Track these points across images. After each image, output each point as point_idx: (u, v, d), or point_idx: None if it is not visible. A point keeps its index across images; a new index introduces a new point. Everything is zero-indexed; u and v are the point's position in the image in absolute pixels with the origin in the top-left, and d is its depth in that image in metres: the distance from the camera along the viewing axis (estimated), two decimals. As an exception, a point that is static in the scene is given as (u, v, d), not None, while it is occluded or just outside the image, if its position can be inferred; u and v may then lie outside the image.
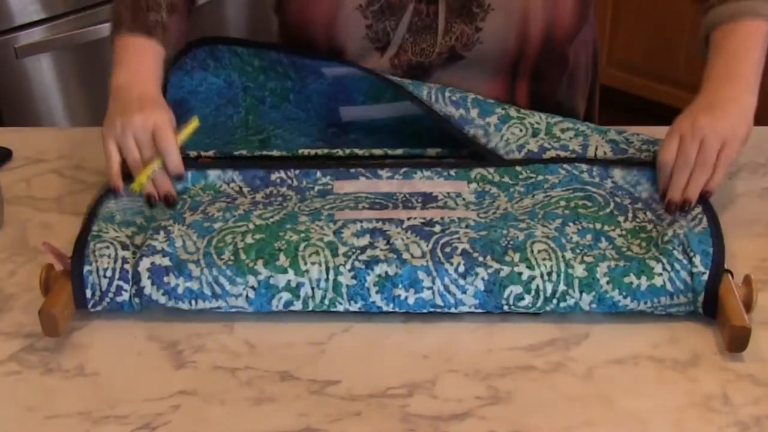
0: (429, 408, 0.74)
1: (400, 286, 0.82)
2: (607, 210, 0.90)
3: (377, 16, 1.04)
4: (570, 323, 0.83)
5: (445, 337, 0.82)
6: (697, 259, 0.81)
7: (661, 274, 0.81)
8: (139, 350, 0.81)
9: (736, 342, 0.77)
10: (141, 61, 0.98)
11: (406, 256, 0.83)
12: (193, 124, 0.95)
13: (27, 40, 1.86)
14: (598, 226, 0.87)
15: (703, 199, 0.89)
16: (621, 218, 0.89)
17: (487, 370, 0.78)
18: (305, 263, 0.82)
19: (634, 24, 2.69)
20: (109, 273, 0.83)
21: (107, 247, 0.84)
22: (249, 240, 0.85)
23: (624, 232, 0.86)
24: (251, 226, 0.87)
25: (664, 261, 0.81)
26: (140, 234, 0.87)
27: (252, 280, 0.82)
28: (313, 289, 0.82)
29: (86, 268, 0.83)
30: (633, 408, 0.74)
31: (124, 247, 0.85)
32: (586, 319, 0.83)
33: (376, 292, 0.82)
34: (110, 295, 0.83)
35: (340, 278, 0.82)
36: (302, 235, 0.85)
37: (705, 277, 0.80)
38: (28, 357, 0.81)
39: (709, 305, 0.81)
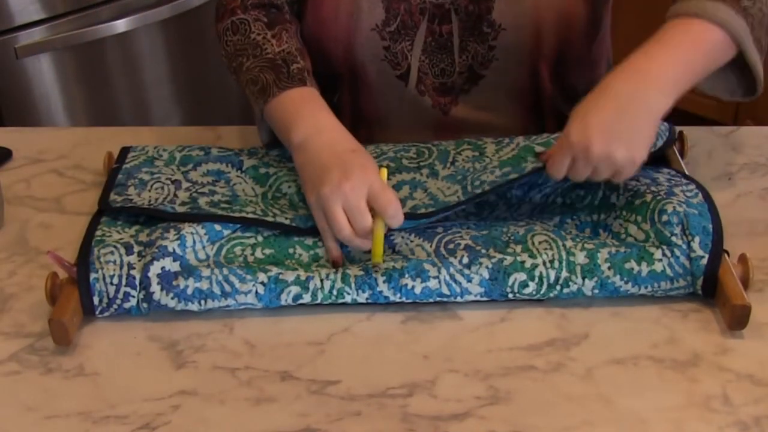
0: (429, 408, 0.74)
1: (406, 275, 0.82)
2: (599, 194, 0.90)
3: (394, 36, 1.03)
4: (570, 323, 0.83)
5: (445, 337, 0.82)
6: (695, 243, 0.82)
7: (660, 260, 0.82)
8: (139, 350, 0.81)
9: (737, 320, 0.79)
10: (315, 111, 0.93)
11: (411, 257, 0.85)
12: (384, 172, 0.89)
13: (27, 40, 1.86)
14: (595, 217, 0.89)
15: None
16: (613, 197, 0.89)
17: (487, 370, 0.78)
18: (314, 268, 0.85)
19: (634, 29, 2.68)
20: (115, 280, 0.83)
21: (111, 253, 0.84)
22: (259, 255, 0.86)
23: (619, 212, 0.87)
24: (260, 238, 0.87)
25: (664, 247, 0.83)
26: (145, 230, 0.88)
27: (262, 276, 0.83)
28: (322, 280, 0.83)
29: (92, 275, 0.83)
30: (633, 408, 0.74)
31: (129, 250, 0.85)
32: (586, 319, 0.83)
33: (384, 282, 0.82)
34: (118, 301, 0.83)
35: (348, 270, 0.83)
36: (311, 252, 0.87)
37: (704, 261, 0.82)
38: (28, 357, 0.81)
39: (708, 287, 0.82)
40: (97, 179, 1.08)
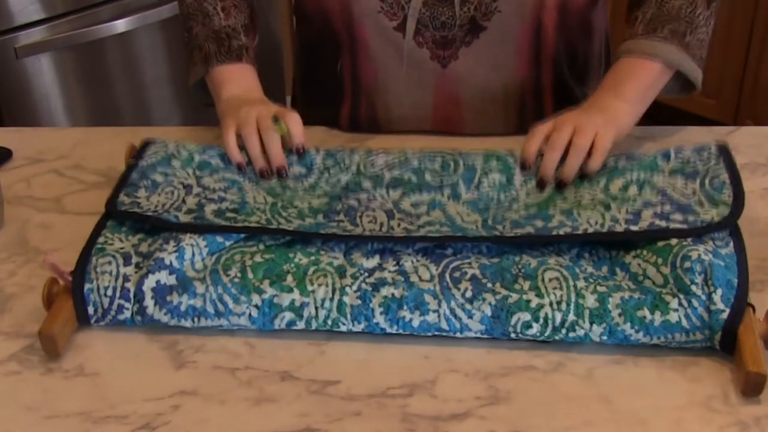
0: (429, 408, 0.74)
1: (405, 307, 0.80)
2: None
3: None
4: (570, 323, 0.83)
5: (445, 337, 0.82)
6: (717, 295, 0.77)
7: (676, 310, 0.78)
8: (139, 350, 0.81)
9: (751, 387, 0.74)
10: (243, 81, 1.09)
11: (414, 279, 0.81)
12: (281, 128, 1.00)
13: (27, 40, 1.86)
14: (614, 253, 0.85)
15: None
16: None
17: (487, 370, 0.78)
18: (312, 284, 0.81)
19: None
20: (110, 292, 0.82)
21: (109, 263, 0.84)
22: (258, 259, 0.84)
23: (639, 250, 0.83)
24: (261, 246, 0.86)
25: (681, 297, 0.78)
26: (147, 239, 0.87)
27: (256, 298, 0.81)
28: (316, 308, 0.81)
29: (87, 286, 0.82)
30: (633, 408, 0.74)
31: (127, 260, 0.84)
32: (586, 319, 0.83)
33: (381, 313, 0.80)
34: (112, 312, 0.83)
35: (345, 298, 0.81)
36: (312, 258, 0.84)
37: (724, 315, 0.77)
38: (28, 357, 0.81)
39: (726, 343, 0.77)
40: (97, 179, 1.08)
